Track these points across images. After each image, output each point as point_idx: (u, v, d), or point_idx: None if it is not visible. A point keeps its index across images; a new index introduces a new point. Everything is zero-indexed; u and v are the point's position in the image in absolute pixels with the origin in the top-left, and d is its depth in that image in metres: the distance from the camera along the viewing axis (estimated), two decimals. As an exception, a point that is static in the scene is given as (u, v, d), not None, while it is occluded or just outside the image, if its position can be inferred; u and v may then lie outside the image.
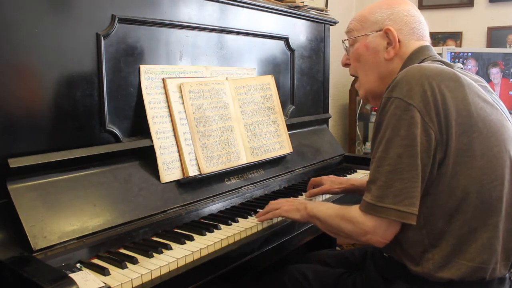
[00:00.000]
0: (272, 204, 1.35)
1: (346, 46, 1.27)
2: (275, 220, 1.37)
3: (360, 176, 1.95)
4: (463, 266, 0.99)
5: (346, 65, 1.28)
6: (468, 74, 1.09)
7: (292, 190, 1.68)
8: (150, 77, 1.39)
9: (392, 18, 1.15)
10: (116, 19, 1.29)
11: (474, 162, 0.97)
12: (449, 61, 1.14)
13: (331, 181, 1.60)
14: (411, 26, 1.15)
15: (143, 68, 1.38)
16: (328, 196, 1.64)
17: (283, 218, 1.35)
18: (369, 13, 1.18)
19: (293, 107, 2.04)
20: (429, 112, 0.95)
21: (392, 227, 1.01)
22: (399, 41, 1.14)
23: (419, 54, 1.13)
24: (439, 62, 1.09)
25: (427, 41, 1.18)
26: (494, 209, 0.99)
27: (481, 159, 0.97)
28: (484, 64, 2.95)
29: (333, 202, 1.55)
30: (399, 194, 0.96)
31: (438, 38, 3.50)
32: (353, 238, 1.07)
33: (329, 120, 2.33)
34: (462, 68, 1.12)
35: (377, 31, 1.16)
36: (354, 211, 1.05)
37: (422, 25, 1.17)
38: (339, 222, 1.09)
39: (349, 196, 1.61)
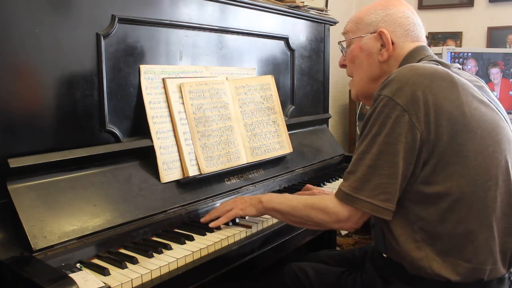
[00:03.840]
0: (223, 206, 1.34)
1: (343, 47, 1.27)
2: (271, 222, 1.37)
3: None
4: (460, 266, 0.99)
5: (343, 66, 1.29)
6: (464, 74, 1.09)
7: (292, 190, 1.68)
8: (150, 77, 1.39)
9: (386, 19, 1.15)
10: (116, 19, 1.29)
11: (467, 162, 0.97)
12: (449, 61, 1.14)
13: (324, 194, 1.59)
14: (406, 28, 1.15)
15: (143, 68, 1.38)
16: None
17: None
18: (364, 15, 1.19)
19: (293, 107, 2.04)
20: (417, 112, 0.96)
21: (364, 217, 1.06)
22: (392, 43, 1.14)
23: (415, 55, 1.13)
24: (435, 62, 1.09)
25: (423, 42, 1.18)
26: (489, 209, 0.99)
27: (475, 159, 0.97)
28: (484, 64, 2.95)
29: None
30: (375, 189, 0.99)
31: (438, 38, 3.49)
32: (323, 226, 1.14)
33: (329, 120, 2.33)
34: (459, 68, 1.12)
35: (371, 33, 1.17)
36: (326, 201, 1.08)
37: (417, 27, 1.17)
38: (308, 212, 1.11)
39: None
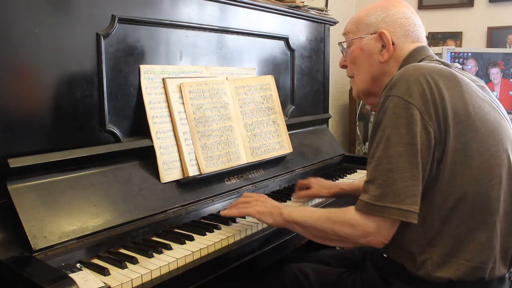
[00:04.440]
0: (245, 198, 1.29)
1: (343, 48, 1.27)
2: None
3: (360, 176, 1.95)
4: (461, 266, 0.99)
5: (343, 66, 1.29)
6: (465, 74, 1.09)
7: (292, 190, 1.68)
8: (150, 77, 1.39)
9: (387, 20, 1.15)
10: (116, 19, 1.29)
11: (471, 161, 0.97)
12: (449, 61, 1.14)
13: (319, 185, 1.59)
14: (406, 29, 1.15)
15: (143, 68, 1.38)
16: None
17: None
18: (365, 16, 1.19)
19: (293, 107, 2.04)
20: (428, 110, 0.95)
21: (394, 227, 1.00)
22: (393, 44, 1.14)
23: (416, 55, 1.13)
24: (437, 62, 1.09)
25: (423, 42, 1.18)
26: (492, 209, 0.99)
27: (478, 159, 0.97)
28: (484, 64, 2.95)
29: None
30: (400, 193, 0.95)
31: (438, 38, 3.49)
32: (349, 241, 1.04)
33: (329, 120, 2.33)
34: (459, 68, 1.13)
35: (371, 34, 1.17)
36: (351, 213, 1.02)
37: (418, 27, 1.17)
38: (332, 226, 1.05)
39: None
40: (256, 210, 1.23)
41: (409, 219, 0.96)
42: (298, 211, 1.17)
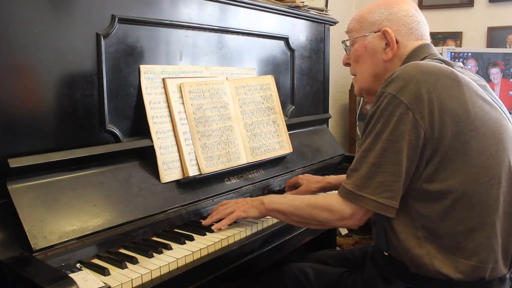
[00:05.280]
0: (224, 208, 1.32)
1: (347, 46, 1.27)
2: (271, 222, 1.37)
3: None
4: (461, 264, 1.00)
5: (347, 64, 1.29)
6: (467, 73, 1.09)
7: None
8: (150, 77, 1.39)
9: (390, 18, 1.15)
10: (116, 19, 1.29)
11: (470, 160, 0.97)
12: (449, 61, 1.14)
13: (307, 180, 1.63)
14: (410, 27, 1.15)
15: (143, 68, 1.38)
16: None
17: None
18: (368, 13, 1.19)
19: (293, 107, 2.04)
20: (421, 110, 0.96)
21: (368, 214, 1.06)
22: (397, 42, 1.14)
23: (418, 53, 1.13)
24: (439, 61, 1.09)
25: (427, 40, 1.18)
26: (491, 208, 0.99)
27: (478, 158, 0.98)
28: (484, 64, 2.95)
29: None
30: (379, 186, 1.00)
31: (438, 38, 3.49)
32: (327, 225, 1.14)
33: (329, 120, 2.33)
34: (462, 67, 1.12)
35: (375, 32, 1.16)
36: (331, 199, 1.09)
37: (422, 25, 1.17)
38: (311, 212, 1.12)
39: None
40: (241, 210, 1.29)
41: (384, 212, 1.01)
42: (279, 199, 1.24)
